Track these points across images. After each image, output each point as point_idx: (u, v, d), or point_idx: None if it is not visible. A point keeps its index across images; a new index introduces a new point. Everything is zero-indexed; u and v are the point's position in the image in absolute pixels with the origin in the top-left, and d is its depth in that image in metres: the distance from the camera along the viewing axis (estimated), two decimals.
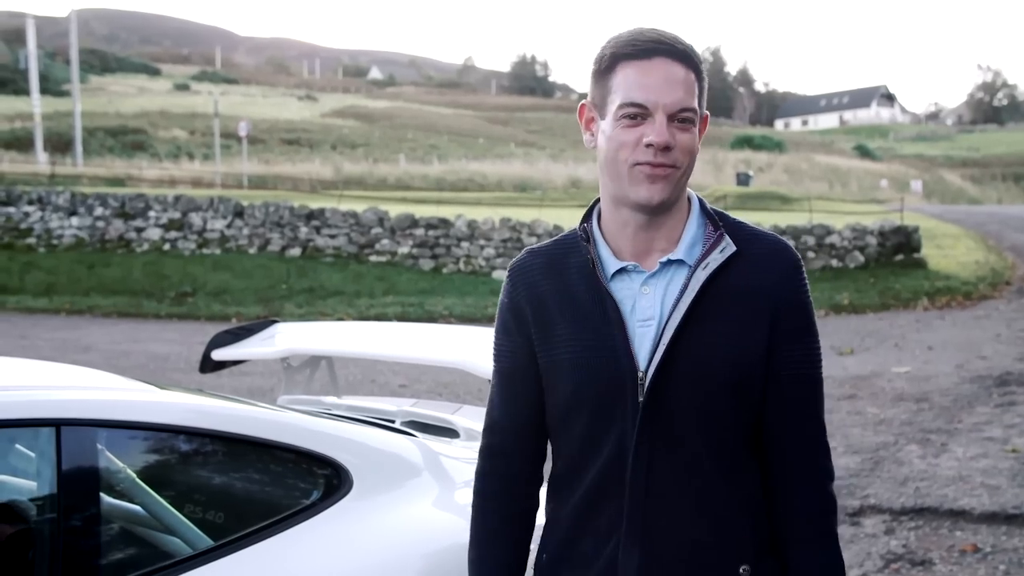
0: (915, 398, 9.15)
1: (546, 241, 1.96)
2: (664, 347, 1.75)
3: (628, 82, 1.76)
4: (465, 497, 2.94)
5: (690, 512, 1.79)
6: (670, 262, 1.81)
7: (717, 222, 1.85)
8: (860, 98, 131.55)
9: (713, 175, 45.24)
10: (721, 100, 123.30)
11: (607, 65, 1.80)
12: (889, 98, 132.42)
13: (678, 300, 1.78)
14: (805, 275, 1.86)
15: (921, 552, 5.44)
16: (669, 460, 1.79)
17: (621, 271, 1.83)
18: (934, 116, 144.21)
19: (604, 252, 1.85)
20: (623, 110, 1.76)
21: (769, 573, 1.84)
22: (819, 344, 1.88)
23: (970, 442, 7.60)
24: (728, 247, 1.80)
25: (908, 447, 7.50)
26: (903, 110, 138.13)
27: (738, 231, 1.85)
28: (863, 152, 74.30)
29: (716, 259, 1.79)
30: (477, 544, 1.99)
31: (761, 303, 1.79)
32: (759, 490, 1.85)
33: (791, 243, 1.89)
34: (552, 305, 1.88)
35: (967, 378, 10.03)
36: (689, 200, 1.89)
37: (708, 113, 1.86)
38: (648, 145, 1.74)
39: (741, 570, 1.80)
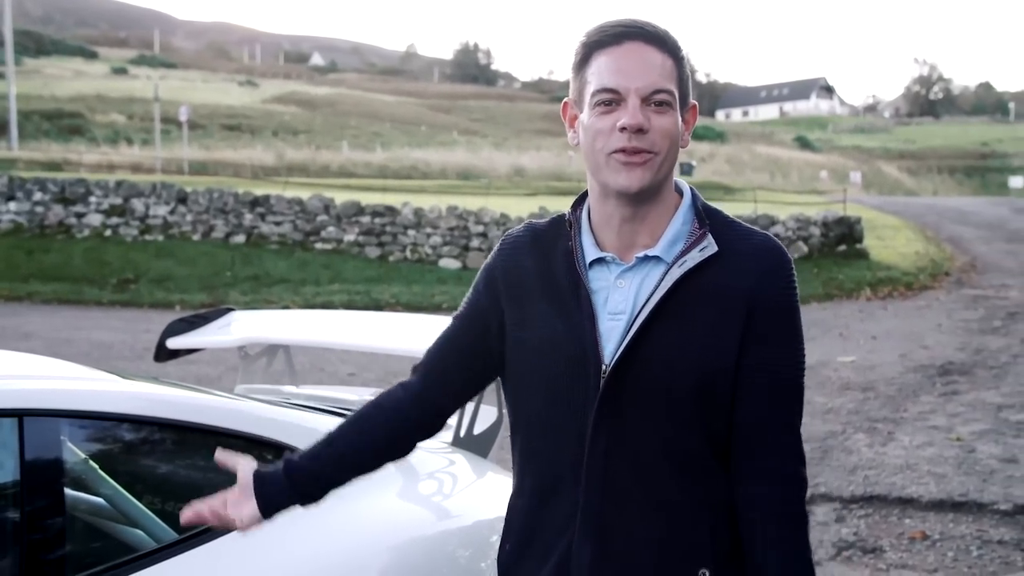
0: (861, 387, 9.28)
1: (545, 219, 1.93)
2: (628, 342, 1.72)
3: (600, 69, 1.73)
4: (429, 488, 2.92)
5: (645, 510, 1.76)
6: (647, 258, 1.78)
7: (704, 219, 1.80)
8: (800, 90, 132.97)
9: None
10: None
11: (581, 57, 1.78)
12: (828, 90, 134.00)
13: (650, 296, 1.74)
14: (793, 278, 1.79)
15: (872, 540, 5.52)
16: (625, 456, 1.75)
17: (599, 261, 1.80)
18: (872, 108, 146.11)
19: (586, 240, 1.83)
20: (597, 97, 1.73)
21: None
22: (801, 349, 1.81)
23: (916, 431, 7.72)
24: (709, 247, 1.75)
25: (856, 436, 7.60)
26: (842, 102, 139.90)
27: (728, 230, 1.80)
28: (803, 143, 75.10)
29: (694, 258, 1.74)
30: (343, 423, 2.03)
31: (737, 305, 1.73)
32: (725, 494, 1.79)
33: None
34: (531, 284, 1.86)
35: (911, 367, 10.20)
36: (681, 194, 1.85)
37: (696, 103, 1.81)
38: (622, 129, 1.70)
39: (699, 573, 1.76)
